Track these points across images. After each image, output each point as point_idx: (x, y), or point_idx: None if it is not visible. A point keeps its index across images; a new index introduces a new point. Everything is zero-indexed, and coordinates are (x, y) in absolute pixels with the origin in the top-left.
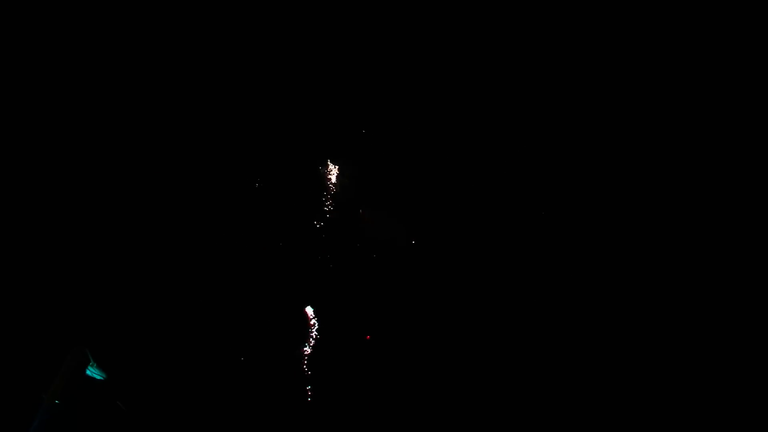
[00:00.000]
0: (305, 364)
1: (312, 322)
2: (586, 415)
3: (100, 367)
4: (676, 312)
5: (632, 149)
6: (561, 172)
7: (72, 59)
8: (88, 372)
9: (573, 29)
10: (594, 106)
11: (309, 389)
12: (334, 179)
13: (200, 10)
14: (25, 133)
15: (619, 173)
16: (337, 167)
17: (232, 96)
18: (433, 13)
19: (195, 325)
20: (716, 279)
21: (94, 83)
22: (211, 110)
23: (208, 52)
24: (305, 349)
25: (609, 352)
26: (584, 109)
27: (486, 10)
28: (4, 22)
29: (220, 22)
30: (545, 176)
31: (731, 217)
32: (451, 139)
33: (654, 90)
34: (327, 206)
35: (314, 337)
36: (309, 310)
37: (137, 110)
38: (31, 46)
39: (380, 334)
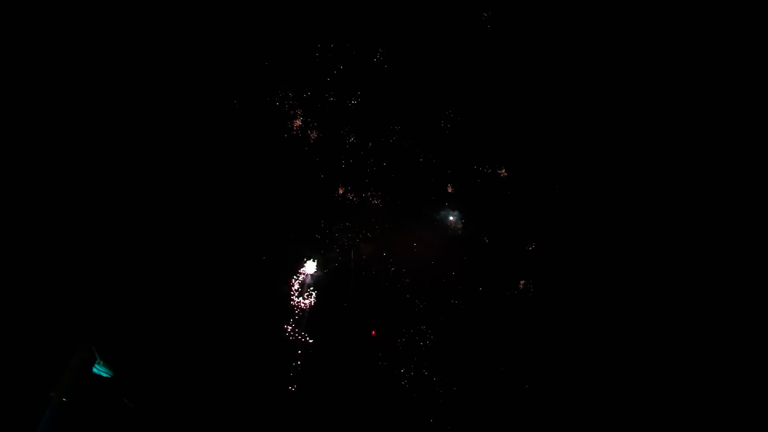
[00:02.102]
0: (307, 361)
1: (314, 320)
2: (586, 415)
3: (107, 364)
4: (675, 312)
5: (632, 150)
6: (562, 174)
7: (71, 59)
8: (95, 369)
9: (573, 29)
10: (594, 107)
11: (310, 388)
12: (334, 182)
13: (201, 11)
14: (27, 134)
15: (618, 174)
16: (338, 169)
17: (232, 99)
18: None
19: (199, 323)
20: (716, 279)
21: (95, 84)
22: (215, 115)
23: (209, 53)
24: (307, 345)
25: (609, 352)
26: (585, 110)
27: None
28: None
29: (221, 24)
30: (546, 179)
31: (731, 217)
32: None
33: (654, 90)
34: (327, 206)
35: (317, 334)
36: (311, 308)
37: (141, 113)
38: (31, 46)
39: (384, 331)
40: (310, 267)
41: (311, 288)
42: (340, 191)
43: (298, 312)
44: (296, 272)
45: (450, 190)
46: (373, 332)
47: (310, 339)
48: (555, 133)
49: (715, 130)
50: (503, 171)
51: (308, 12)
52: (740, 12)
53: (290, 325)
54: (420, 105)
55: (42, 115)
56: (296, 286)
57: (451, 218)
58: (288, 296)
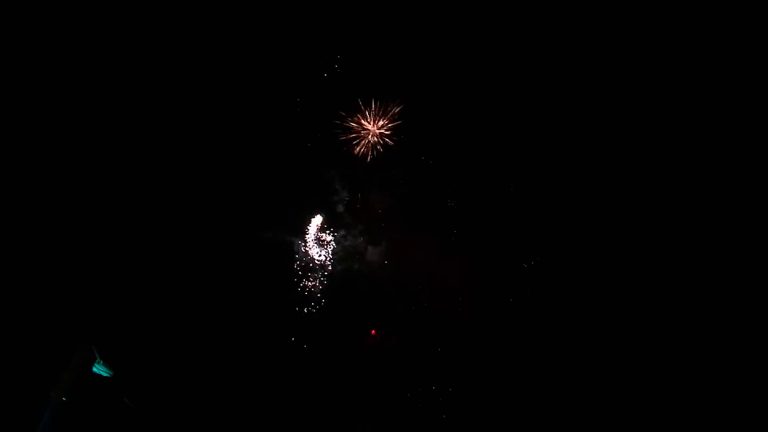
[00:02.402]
0: (307, 362)
1: (317, 322)
2: (586, 415)
3: (107, 364)
4: (675, 312)
5: (631, 149)
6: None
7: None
8: (95, 369)
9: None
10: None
11: (310, 388)
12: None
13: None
14: (26, 134)
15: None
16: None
17: (233, 99)
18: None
19: (199, 323)
20: (716, 279)
21: (94, 84)
22: (219, 117)
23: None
24: (307, 346)
25: (609, 352)
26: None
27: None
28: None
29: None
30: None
31: (731, 217)
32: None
33: (654, 90)
34: (336, 211)
35: (319, 336)
36: (314, 309)
37: (139, 112)
38: (31, 46)
39: (384, 331)
40: (316, 270)
41: (316, 290)
42: (349, 197)
43: (300, 313)
44: (301, 273)
45: (458, 197)
46: (373, 331)
47: (310, 340)
48: (561, 139)
49: (715, 131)
50: (511, 181)
51: (310, 12)
52: (740, 12)
53: (291, 326)
54: (429, 110)
55: (42, 115)
56: (300, 287)
57: (457, 224)
58: (290, 297)
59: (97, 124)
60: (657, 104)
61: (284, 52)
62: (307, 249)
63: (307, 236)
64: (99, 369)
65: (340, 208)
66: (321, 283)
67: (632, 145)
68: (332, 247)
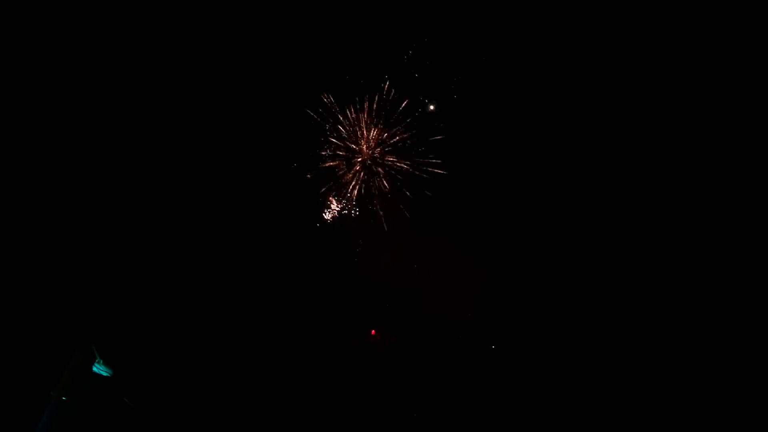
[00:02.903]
0: (308, 362)
1: (313, 321)
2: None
3: (107, 363)
4: (675, 312)
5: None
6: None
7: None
8: (95, 369)
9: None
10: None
11: (311, 388)
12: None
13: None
14: (27, 134)
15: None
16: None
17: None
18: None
19: (199, 323)
20: (716, 279)
21: (95, 84)
22: (214, 114)
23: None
24: (308, 347)
25: (609, 352)
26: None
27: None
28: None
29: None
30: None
31: (731, 217)
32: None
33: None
34: (326, 206)
35: (319, 338)
36: (310, 310)
37: (139, 112)
38: (32, 47)
39: (385, 331)
40: (316, 269)
41: (316, 290)
42: (363, 202)
43: (301, 313)
44: (302, 273)
45: (459, 199)
46: (373, 331)
47: (310, 340)
48: (562, 141)
49: (714, 130)
50: (512, 183)
51: (312, 12)
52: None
53: (291, 327)
54: (443, 114)
55: (42, 115)
56: (301, 287)
57: (458, 226)
58: (290, 297)
59: (96, 123)
60: (656, 107)
61: (284, 55)
62: (307, 249)
63: (307, 236)
64: (99, 369)
65: (343, 209)
66: (321, 283)
67: (632, 147)
68: (332, 247)
